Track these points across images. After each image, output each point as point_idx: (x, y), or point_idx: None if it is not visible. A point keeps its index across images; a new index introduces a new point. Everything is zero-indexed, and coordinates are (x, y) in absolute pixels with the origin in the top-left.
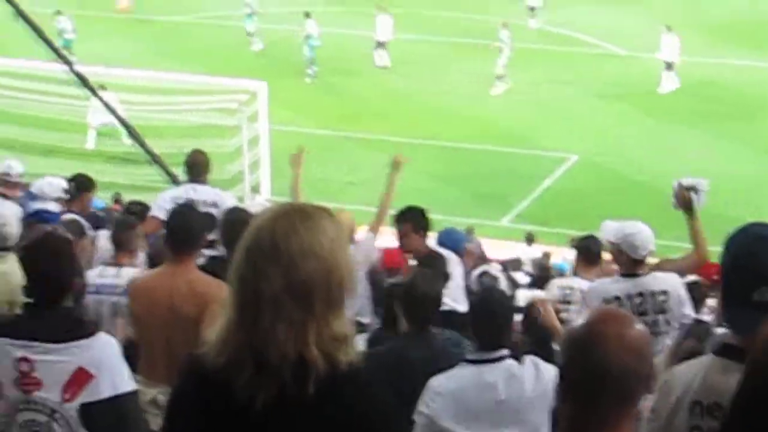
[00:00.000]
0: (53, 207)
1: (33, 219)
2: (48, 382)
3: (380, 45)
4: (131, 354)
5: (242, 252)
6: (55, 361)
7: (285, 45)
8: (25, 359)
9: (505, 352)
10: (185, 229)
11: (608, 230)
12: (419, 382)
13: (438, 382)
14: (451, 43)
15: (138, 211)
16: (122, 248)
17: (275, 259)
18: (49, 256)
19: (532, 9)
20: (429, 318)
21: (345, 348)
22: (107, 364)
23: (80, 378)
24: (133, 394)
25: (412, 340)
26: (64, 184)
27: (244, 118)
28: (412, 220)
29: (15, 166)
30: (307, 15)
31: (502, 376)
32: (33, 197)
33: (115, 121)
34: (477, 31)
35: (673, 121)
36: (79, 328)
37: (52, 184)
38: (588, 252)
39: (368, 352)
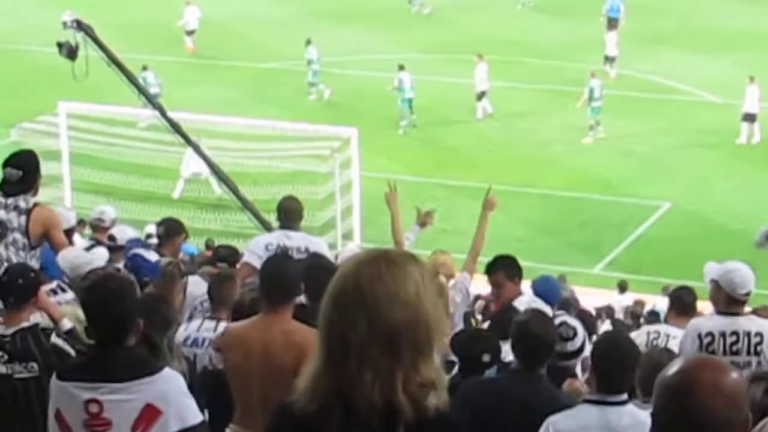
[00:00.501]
0: (152, 256)
1: (130, 263)
2: (118, 421)
3: (482, 95)
4: None
5: (329, 299)
6: (123, 400)
7: (380, 92)
8: (94, 400)
9: (625, 396)
10: (281, 278)
11: (710, 270)
12: (516, 419)
13: (560, 420)
14: (546, 90)
15: (227, 255)
16: (220, 303)
17: (360, 306)
18: (112, 298)
19: (610, 59)
20: (538, 359)
21: (434, 394)
22: (174, 399)
23: (149, 414)
24: (202, 426)
25: (519, 378)
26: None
27: (337, 164)
28: (505, 269)
29: (108, 211)
30: (401, 67)
31: (627, 420)
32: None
33: (207, 172)
34: (572, 80)
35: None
36: (144, 365)
37: (124, 231)
38: (680, 302)
39: (470, 383)
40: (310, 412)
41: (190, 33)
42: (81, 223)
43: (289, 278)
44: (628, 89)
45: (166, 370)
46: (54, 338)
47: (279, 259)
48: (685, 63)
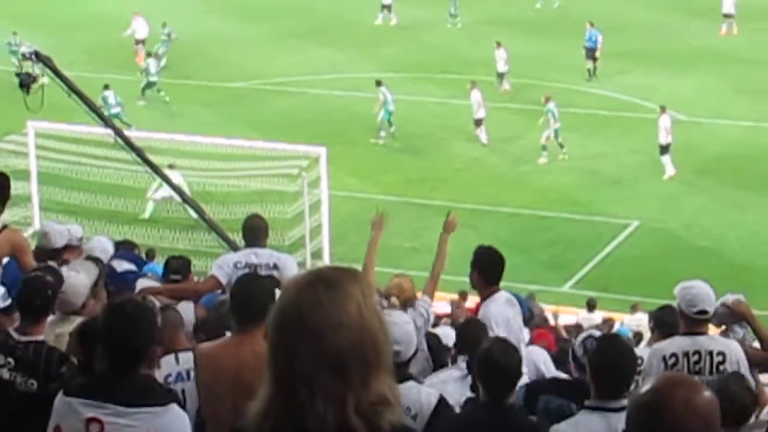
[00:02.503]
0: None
1: (119, 280)
2: None
3: (479, 122)
4: None
5: (272, 328)
6: (125, 425)
7: (348, 111)
8: (96, 420)
9: (626, 401)
10: (251, 300)
11: (675, 290)
12: None
13: (565, 429)
14: (515, 110)
15: (179, 267)
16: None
17: (304, 334)
18: (128, 323)
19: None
20: (504, 389)
21: (387, 411)
22: None
23: None
24: None
25: (488, 409)
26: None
27: (305, 183)
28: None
29: (76, 230)
30: (379, 83)
31: None
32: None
33: (176, 197)
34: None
35: (736, 186)
36: (154, 395)
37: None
38: (661, 322)
39: (444, 416)
40: None
41: (139, 42)
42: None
43: (259, 299)
44: (597, 108)
45: (175, 406)
46: (64, 368)
47: (248, 280)
48: (651, 82)
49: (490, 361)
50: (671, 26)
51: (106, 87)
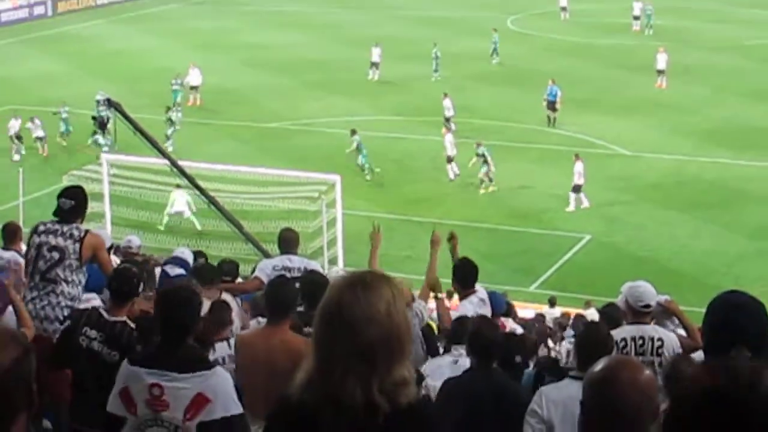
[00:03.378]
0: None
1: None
2: (174, 404)
3: (450, 159)
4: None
5: (318, 318)
6: (180, 388)
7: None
8: (156, 385)
9: None
10: (279, 299)
11: (622, 288)
12: (484, 409)
13: (551, 391)
14: (491, 146)
15: (229, 270)
16: (223, 325)
17: (342, 326)
18: (180, 304)
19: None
20: (491, 357)
21: (405, 390)
22: (221, 392)
23: (199, 402)
24: (242, 417)
25: (478, 376)
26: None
27: (323, 204)
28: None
29: (134, 240)
30: (354, 132)
31: None
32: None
33: (188, 213)
34: (513, 137)
35: (668, 208)
36: (202, 362)
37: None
38: (608, 316)
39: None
40: (305, 404)
41: (194, 88)
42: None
43: (286, 299)
44: (558, 144)
45: (219, 369)
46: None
47: (279, 283)
48: (601, 123)
49: (480, 333)
50: (616, 79)
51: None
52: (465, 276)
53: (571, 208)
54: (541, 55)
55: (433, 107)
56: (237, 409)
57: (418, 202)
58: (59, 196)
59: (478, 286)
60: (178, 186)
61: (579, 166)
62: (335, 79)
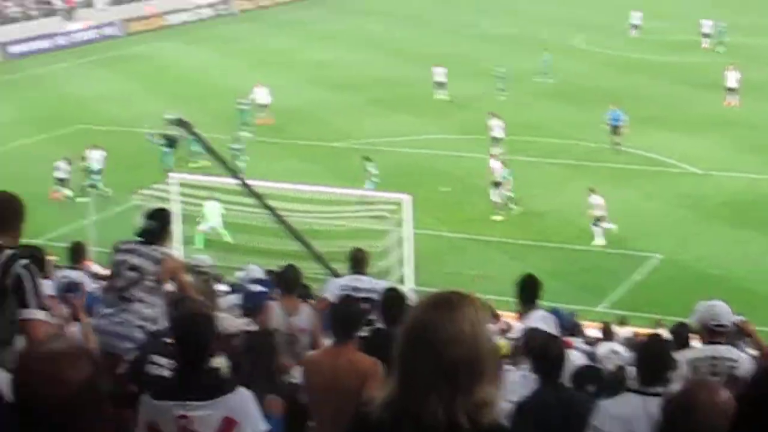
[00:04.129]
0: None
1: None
2: (204, 431)
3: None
4: None
5: (403, 338)
6: (206, 415)
7: (422, 166)
8: (183, 416)
9: (660, 388)
10: (347, 319)
11: (697, 308)
12: (554, 420)
13: (610, 405)
14: (558, 164)
15: (303, 293)
16: None
17: (427, 346)
18: (195, 329)
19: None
20: (558, 373)
21: (487, 411)
22: (247, 412)
23: (228, 425)
24: None
25: (546, 392)
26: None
27: (392, 224)
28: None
29: (205, 259)
30: (367, 159)
31: None
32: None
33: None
34: (580, 156)
35: (740, 226)
36: (224, 385)
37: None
38: (678, 335)
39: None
40: (384, 422)
41: (262, 107)
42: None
43: (354, 319)
44: (626, 163)
45: (240, 389)
46: None
47: (346, 304)
48: (670, 141)
49: (544, 350)
50: (684, 96)
51: (169, 141)
52: (526, 293)
53: (601, 241)
54: (608, 72)
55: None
56: (264, 425)
57: (484, 222)
58: (144, 217)
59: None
60: (210, 198)
61: (597, 200)
62: (401, 97)
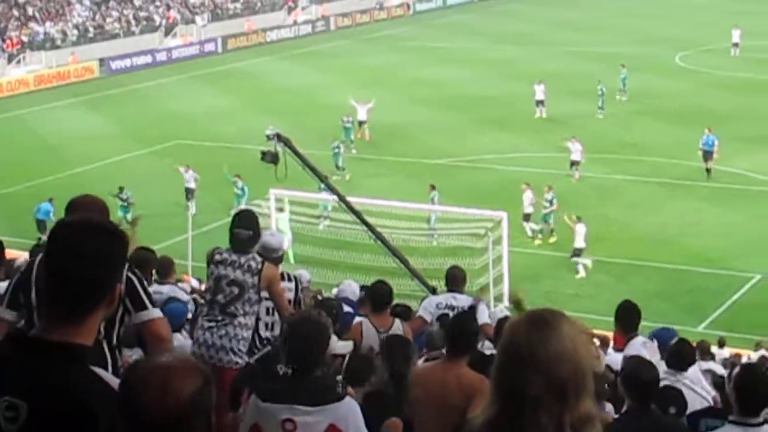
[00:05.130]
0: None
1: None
2: None
3: (527, 217)
4: None
5: (504, 357)
6: (312, 422)
7: (521, 183)
8: (289, 420)
9: (762, 418)
10: (462, 335)
11: None
12: None
13: None
14: (660, 183)
15: (401, 312)
16: None
17: (534, 366)
18: (308, 335)
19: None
20: (649, 399)
21: (590, 425)
22: (352, 422)
23: None
24: None
25: (636, 416)
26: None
27: (490, 241)
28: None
29: (304, 274)
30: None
31: None
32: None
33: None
34: (682, 175)
35: None
36: (331, 393)
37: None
38: None
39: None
40: None
41: (361, 123)
42: None
43: (468, 335)
44: (728, 183)
45: (348, 399)
46: None
47: (463, 319)
48: None
49: (637, 376)
50: None
51: (238, 176)
52: (626, 320)
53: (582, 274)
54: (710, 92)
55: (599, 144)
56: None
57: (588, 241)
58: (235, 226)
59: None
60: (280, 210)
61: (580, 228)
62: (501, 115)
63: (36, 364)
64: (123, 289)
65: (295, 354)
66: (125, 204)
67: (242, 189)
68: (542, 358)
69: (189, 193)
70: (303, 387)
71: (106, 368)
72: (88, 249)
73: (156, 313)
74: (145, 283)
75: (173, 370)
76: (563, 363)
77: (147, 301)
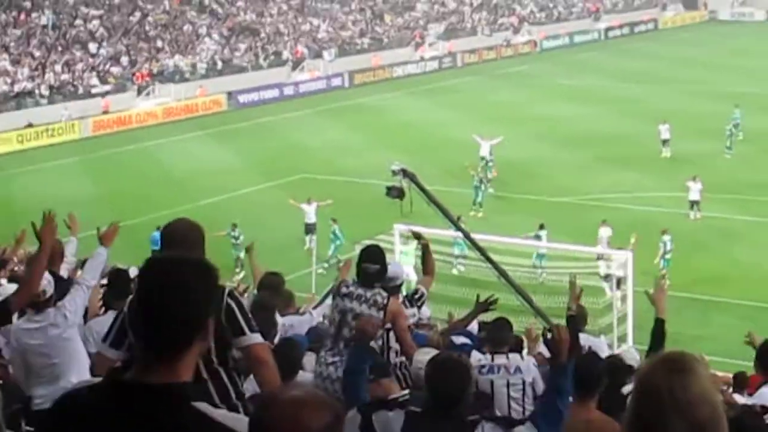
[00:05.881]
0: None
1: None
2: None
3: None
4: None
5: (642, 401)
6: None
7: (646, 223)
8: None
9: None
10: (591, 375)
11: None
12: None
13: None
14: None
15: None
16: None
17: (675, 408)
18: (448, 375)
19: None
20: None
21: None
22: None
23: None
24: None
25: None
26: None
27: (614, 281)
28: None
29: (425, 310)
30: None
31: None
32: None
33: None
34: None
35: None
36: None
37: None
38: None
39: None
40: None
41: (482, 159)
42: None
43: (596, 376)
44: None
45: None
46: None
47: (590, 360)
48: None
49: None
50: None
51: (334, 221)
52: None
53: (608, 294)
54: None
55: (725, 184)
56: None
57: (708, 281)
58: (362, 261)
59: None
60: (406, 242)
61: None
62: (626, 153)
63: (140, 410)
64: (224, 317)
65: (435, 393)
66: (236, 242)
67: (334, 233)
68: (683, 401)
69: (309, 227)
70: (442, 426)
71: (212, 402)
72: (177, 286)
73: (256, 338)
74: (245, 308)
75: (306, 404)
76: (703, 406)
77: (245, 327)
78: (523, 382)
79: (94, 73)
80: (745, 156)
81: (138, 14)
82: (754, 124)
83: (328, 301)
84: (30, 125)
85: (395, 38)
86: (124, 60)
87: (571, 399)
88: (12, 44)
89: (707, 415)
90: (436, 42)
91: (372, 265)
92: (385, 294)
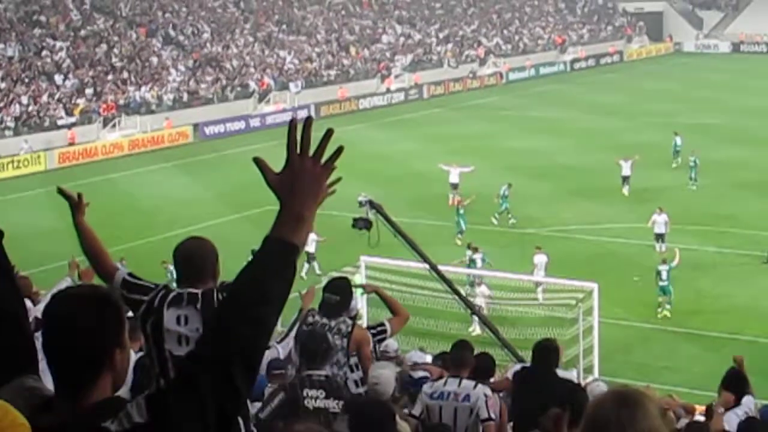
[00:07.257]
0: None
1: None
2: None
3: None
4: None
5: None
6: None
7: (613, 254)
8: None
9: None
10: (576, 408)
11: None
12: None
13: None
14: (751, 255)
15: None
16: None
17: None
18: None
19: None
20: None
21: None
22: None
23: None
24: None
25: None
26: None
27: (580, 312)
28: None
29: (391, 344)
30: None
31: None
32: None
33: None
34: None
35: None
36: None
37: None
38: None
39: None
40: None
41: (454, 186)
42: None
43: (578, 407)
44: None
45: None
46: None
47: (574, 389)
48: None
49: None
50: None
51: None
52: (735, 383)
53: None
54: None
55: (690, 216)
56: None
57: (674, 312)
58: (325, 290)
59: (745, 399)
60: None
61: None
62: (592, 185)
63: None
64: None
65: None
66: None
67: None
68: None
69: (309, 256)
70: None
71: None
72: (67, 322)
73: None
74: None
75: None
76: None
77: None
78: (471, 411)
79: (60, 105)
80: (709, 187)
81: (104, 46)
82: (718, 155)
83: (293, 333)
84: None
85: (362, 70)
86: (90, 92)
87: None
88: None
89: None
90: (402, 74)
91: (333, 296)
92: (350, 322)
